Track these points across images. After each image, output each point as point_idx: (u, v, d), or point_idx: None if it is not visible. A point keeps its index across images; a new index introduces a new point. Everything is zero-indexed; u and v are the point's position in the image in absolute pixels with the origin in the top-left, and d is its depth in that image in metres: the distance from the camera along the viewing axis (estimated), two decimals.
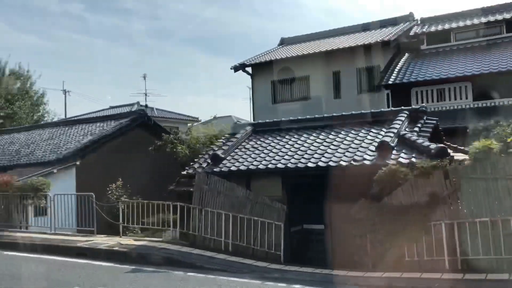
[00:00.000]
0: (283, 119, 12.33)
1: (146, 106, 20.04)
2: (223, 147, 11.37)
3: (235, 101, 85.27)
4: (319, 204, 10.25)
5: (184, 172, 11.27)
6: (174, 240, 10.53)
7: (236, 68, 21.15)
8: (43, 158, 17.85)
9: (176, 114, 37.53)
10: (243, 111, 76.13)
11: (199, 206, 10.32)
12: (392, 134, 9.38)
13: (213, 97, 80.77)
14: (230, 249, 9.78)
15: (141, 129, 19.86)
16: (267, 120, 12.58)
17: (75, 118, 23.55)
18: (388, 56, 18.68)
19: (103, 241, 11.05)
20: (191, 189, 11.76)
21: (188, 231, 10.46)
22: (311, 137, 10.84)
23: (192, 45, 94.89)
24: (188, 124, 35.29)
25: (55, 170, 16.27)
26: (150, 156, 19.70)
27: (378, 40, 18.23)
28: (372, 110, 11.64)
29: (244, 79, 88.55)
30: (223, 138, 12.76)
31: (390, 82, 17.11)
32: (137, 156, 19.22)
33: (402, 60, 18.60)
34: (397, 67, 17.99)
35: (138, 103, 37.54)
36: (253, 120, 20.55)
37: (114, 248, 10.05)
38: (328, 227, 10.34)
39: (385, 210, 8.04)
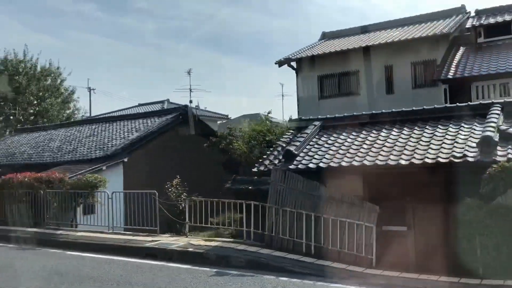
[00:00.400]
0: (355, 113, 11.63)
1: (190, 101, 19.56)
2: (295, 143, 10.73)
3: (260, 99, 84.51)
4: (400, 204, 9.62)
5: (255, 170, 10.66)
6: (247, 241, 9.94)
7: (280, 63, 20.53)
8: (89, 155, 17.45)
9: (205, 111, 37.09)
10: (269, 108, 75.45)
11: (276, 205, 9.72)
12: (492, 129, 8.65)
13: (236, 95, 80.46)
14: (313, 252, 9.15)
15: (184, 126, 19.38)
16: (337, 115, 11.90)
17: (115, 115, 23.07)
18: (443, 49, 17.87)
19: (170, 241, 10.51)
20: (261, 187, 11.24)
21: (263, 231, 9.86)
22: (393, 133, 10.16)
23: (206, 45, 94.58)
24: (218, 122, 34.87)
25: (104, 167, 15.85)
26: (194, 152, 19.27)
27: (437, 32, 17.43)
28: (470, 103, 11.01)
29: (267, 77, 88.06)
30: (288, 133, 12.13)
31: (449, 77, 16.32)
32: (181, 153, 18.80)
33: (459, 53, 17.77)
34: (455, 61, 17.18)
35: (168, 100, 37.24)
36: (298, 116, 19.93)
37: (188, 249, 9.49)
38: (411, 228, 9.68)
39: (500, 210, 7.33)
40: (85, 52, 74.17)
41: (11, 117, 32.25)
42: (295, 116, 20.06)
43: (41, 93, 33.10)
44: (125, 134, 18.34)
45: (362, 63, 19.13)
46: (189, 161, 18.27)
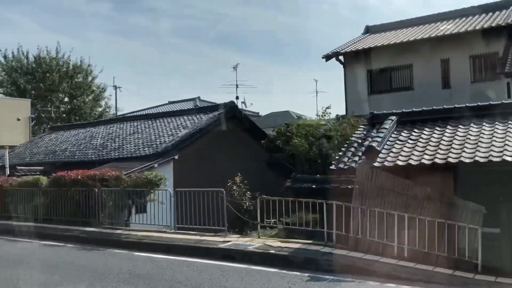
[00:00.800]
0: (434, 107, 10.93)
1: (237, 97, 19.00)
2: (375, 139, 10.08)
3: (288, 96, 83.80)
4: (493, 204, 8.94)
5: (333, 167, 10.04)
6: (329, 243, 9.33)
7: (328, 57, 19.92)
8: (137, 152, 17.04)
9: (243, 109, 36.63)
10: (298, 106, 74.95)
11: (362, 205, 9.10)
12: None
13: (261, 94, 79.93)
14: (406, 255, 8.50)
15: (230, 122, 18.86)
16: (414, 109, 11.22)
17: (156, 112, 22.64)
18: (504, 41, 17.03)
19: (244, 242, 9.97)
20: (326, 186, 10.66)
21: (347, 233, 9.24)
22: (486, 128, 9.46)
23: (220, 43, 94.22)
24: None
25: (156, 165, 15.38)
26: (241, 150, 18.76)
27: (500, 23, 16.59)
28: None
29: (288, 74, 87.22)
30: (361, 129, 11.49)
31: None
32: (229, 150, 18.30)
33: None
34: None
35: (199, 97, 36.85)
36: (346, 112, 19.30)
37: (269, 251, 8.93)
38: (506, 230, 8.99)
39: None
40: (103, 52, 74.24)
41: (43, 115, 32.17)
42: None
43: (72, 91, 32.96)
44: (172, 131, 17.88)
45: (416, 56, 18.39)
46: (237, 159, 17.79)
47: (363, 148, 10.13)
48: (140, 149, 17.09)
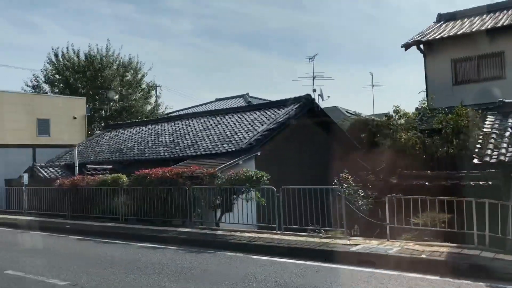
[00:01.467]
0: None
1: (314, 90, 18.19)
2: None
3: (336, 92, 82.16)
4: None
5: (476, 161, 8.97)
6: (481, 247, 8.27)
7: (407, 46, 18.76)
8: (216, 148, 16.28)
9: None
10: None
11: None
12: None
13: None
14: None
15: (307, 116, 17.96)
16: None
17: (226, 108, 21.81)
18: None
19: (375, 245, 8.99)
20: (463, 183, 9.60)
21: (504, 235, 8.18)
22: None
23: (240, 42, 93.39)
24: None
25: (241, 161, 14.57)
26: (315, 145, 17.86)
27: None
28: None
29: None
30: (490, 119, 10.36)
31: None
32: (306, 146, 17.44)
33: None
34: None
35: (247, 94, 36.02)
36: (427, 104, 18.06)
37: (421, 257, 7.93)
38: None
39: None
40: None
41: (95, 114, 31.87)
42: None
43: (123, 89, 32.59)
44: (248, 126, 17.04)
45: (508, 43, 17.05)
46: (311, 154, 16.92)
47: (506, 139, 9.04)
48: (218, 146, 16.31)
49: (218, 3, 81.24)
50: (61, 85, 32.10)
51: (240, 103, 32.25)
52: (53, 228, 14.32)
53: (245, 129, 16.87)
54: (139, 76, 33.92)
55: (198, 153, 16.50)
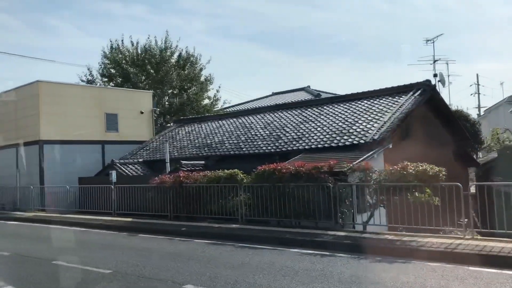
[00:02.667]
0: None
1: (435, 75, 16.53)
2: None
3: None
4: None
5: None
6: None
7: None
8: (335, 141, 14.57)
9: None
10: None
11: None
12: None
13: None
14: None
15: (427, 105, 16.17)
16: None
17: (327, 97, 19.91)
18: None
19: None
20: None
21: None
22: None
23: (253, 41, 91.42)
24: None
25: (375, 155, 12.85)
26: (436, 138, 16.08)
27: None
28: None
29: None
30: None
31: None
32: (426, 138, 15.64)
33: None
34: None
35: (308, 86, 34.34)
36: None
37: None
38: None
39: None
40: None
41: (157, 109, 30.47)
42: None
43: (183, 82, 31.15)
44: (365, 116, 15.30)
45: None
46: (432, 146, 15.15)
47: None
48: (337, 138, 14.61)
49: (230, 2, 79.66)
50: (120, 79, 30.79)
51: (303, 96, 30.58)
52: (163, 230, 12.80)
53: (361, 119, 15.13)
54: (197, 69, 32.41)
55: (313, 146, 14.82)
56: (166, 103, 30.70)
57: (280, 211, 12.09)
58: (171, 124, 27.40)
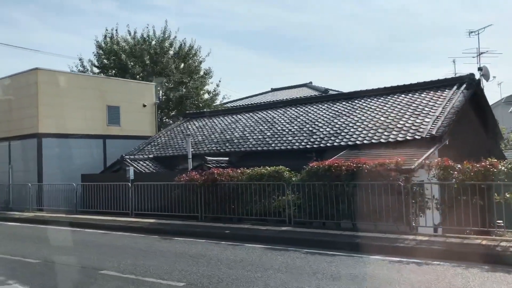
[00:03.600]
0: None
1: (479, 69, 15.69)
2: None
3: None
4: None
5: None
6: None
7: None
8: (383, 136, 13.52)
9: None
10: None
11: None
12: None
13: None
14: None
15: (469, 101, 15.31)
16: None
17: (361, 90, 18.62)
18: None
19: None
20: None
21: None
22: None
23: (226, 40, 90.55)
24: None
25: (436, 152, 11.82)
26: (477, 136, 15.26)
27: None
28: None
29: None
30: None
31: None
32: (470, 135, 14.78)
33: None
34: None
35: (310, 82, 33.32)
36: None
37: None
38: None
39: None
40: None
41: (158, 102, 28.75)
42: None
43: (183, 75, 29.55)
44: (409, 111, 14.30)
45: None
46: (474, 143, 14.32)
47: None
48: (385, 133, 13.53)
49: (204, 2, 77.44)
50: (113, 70, 28.94)
51: (306, 92, 29.56)
52: (201, 233, 11.43)
53: (407, 113, 14.12)
54: (197, 62, 30.82)
55: (357, 142, 13.71)
56: (164, 96, 29.01)
57: (338, 212, 10.90)
58: (168, 119, 25.87)
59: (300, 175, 11.75)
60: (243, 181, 12.55)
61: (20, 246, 10.70)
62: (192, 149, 18.21)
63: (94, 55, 29.66)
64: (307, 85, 32.69)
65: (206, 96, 31.09)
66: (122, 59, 28.24)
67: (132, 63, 28.31)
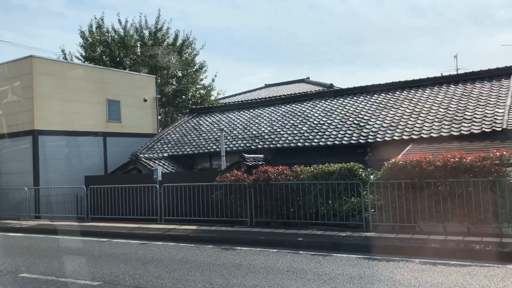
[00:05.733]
0: None
1: None
2: None
3: None
4: None
5: None
6: None
7: None
8: (452, 130, 12.20)
9: None
10: None
11: None
12: None
13: None
14: None
15: None
16: None
17: (390, 82, 17.30)
18: None
19: None
20: None
21: None
22: None
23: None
24: None
25: None
26: None
27: None
28: None
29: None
30: None
31: None
32: None
33: None
34: None
35: (308, 78, 32.13)
36: None
37: None
38: None
39: None
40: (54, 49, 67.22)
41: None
42: None
43: (178, 68, 27.55)
44: (479, 101, 13.13)
45: None
46: None
47: None
48: (453, 126, 12.27)
49: (156, 1, 74.51)
50: (101, 62, 26.53)
51: (303, 88, 28.38)
52: (266, 242, 9.76)
53: (470, 104, 12.93)
54: (192, 55, 28.89)
55: (423, 135, 12.38)
56: (171, 89, 26.92)
57: (431, 213, 9.49)
58: (163, 114, 23.88)
59: (379, 172, 10.25)
60: (305, 180, 10.94)
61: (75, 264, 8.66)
62: (215, 146, 16.45)
63: (80, 46, 27.16)
64: (305, 81, 31.51)
65: (201, 91, 29.22)
66: (113, 49, 25.92)
67: (122, 54, 26.05)
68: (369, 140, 13.07)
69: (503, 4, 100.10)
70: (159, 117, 28.50)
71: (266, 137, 15.69)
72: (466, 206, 9.07)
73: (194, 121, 20.17)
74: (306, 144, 14.23)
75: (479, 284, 6.16)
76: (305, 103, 17.46)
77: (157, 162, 16.38)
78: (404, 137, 12.58)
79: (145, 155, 16.87)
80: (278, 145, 14.87)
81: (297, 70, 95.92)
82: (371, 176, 10.33)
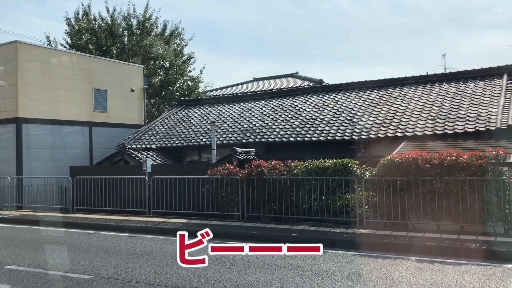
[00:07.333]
0: None
1: None
2: None
3: None
4: None
5: None
6: None
7: None
8: (447, 127, 12.19)
9: None
10: None
11: None
12: None
13: None
14: None
15: None
16: None
17: (388, 78, 17.15)
18: None
19: None
20: None
21: None
22: None
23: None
24: None
25: None
26: None
27: None
28: None
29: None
30: None
31: None
32: None
33: None
34: None
35: (297, 72, 32.02)
36: None
37: None
38: None
39: None
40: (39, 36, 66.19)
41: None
42: None
43: (164, 60, 27.13)
44: (472, 100, 13.14)
45: None
46: None
47: None
48: (447, 124, 12.27)
49: None
50: (88, 50, 25.96)
51: (293, 82, 28.25)
52: (261, 237, 9.61)
53: (463, 103, 12.94)
54: (180, 46, 28.47)
55: (417, 133, 12.35)
56: (157, 80, 26.47)
57: (425, 211, 9.44)
58: (149, 105, 23.51)
59: (374, 169, 10.17)
60: (299, 176, 10.80)
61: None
62: (205, 139, 16.20)
63: (66, 33, 26.52)
64: (294, 75, 31.37)
65: (189, 83, 28.80)
66: (99, 38, 25.37)
67: (108, 43, 25.51)
68: (362, 137, 13.00)
69: (484, 6, 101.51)
70: (146, 108, 28.15)
71: (257, 131, 15.51)
72: (461, 204, 9.03)
73: (183, 113, 19.88)
74: (298, 139, 14.09)
75: (478, 283, 6.10)
76: (296, 98, 17.31)
77: (145, 153, 16.08)
78: (398, 134, 12.53)
79: (133, 146, 16.54)
80: (269, 139, 14.71)
81: (286, 65, 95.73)
82: (366, 173, 10.22)
